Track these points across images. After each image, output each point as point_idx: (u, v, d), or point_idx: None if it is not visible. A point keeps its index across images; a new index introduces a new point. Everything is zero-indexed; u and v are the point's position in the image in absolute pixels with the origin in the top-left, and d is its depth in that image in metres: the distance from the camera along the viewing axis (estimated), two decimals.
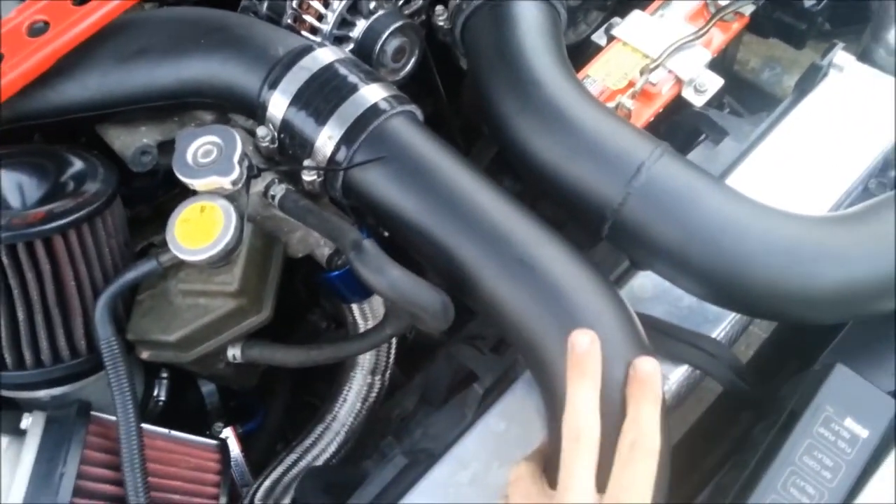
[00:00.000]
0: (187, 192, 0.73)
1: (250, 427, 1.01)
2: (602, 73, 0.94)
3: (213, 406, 0.95)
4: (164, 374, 0.88)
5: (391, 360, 0.98)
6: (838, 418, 0.70)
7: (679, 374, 0.78)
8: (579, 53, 1.03)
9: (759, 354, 0.93)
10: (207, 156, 0.71)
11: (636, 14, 0.99)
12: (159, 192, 0.94)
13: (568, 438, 0.59)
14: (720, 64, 1.04)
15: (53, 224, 0.68)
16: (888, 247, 0.66)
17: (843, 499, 0.67)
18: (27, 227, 0.67)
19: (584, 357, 0.61)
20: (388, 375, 0.99)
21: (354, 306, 0.93)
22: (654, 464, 0.59)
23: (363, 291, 0.92)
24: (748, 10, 0.99)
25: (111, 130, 0.85)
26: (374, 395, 0.97)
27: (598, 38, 1.02)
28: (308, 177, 0.74)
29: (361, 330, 0.94)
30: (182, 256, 0.69)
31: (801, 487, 0.68)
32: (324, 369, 0.97)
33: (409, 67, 0.92)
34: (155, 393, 0.88)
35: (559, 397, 0.62)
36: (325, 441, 0.94)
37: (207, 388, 0.95)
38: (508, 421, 0.75)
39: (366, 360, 0.96)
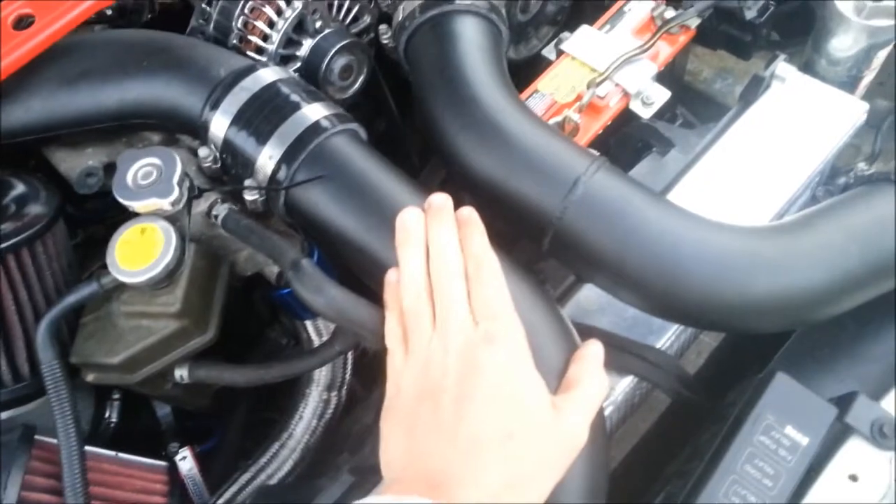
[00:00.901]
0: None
1: (208, 446, 1.00)
2: (551, 88, 0.95)
3: (167, 426, 0.95)
4: (116, 396, 0.88)
5: (347, 376, 0.98)
6: (779, 426, 0.71)
7: (625, 384, 0.78)
8: (530, 68, 1.04)
9: (709, 364, 0.94)
10: (147, 177, 0.71)
11: (584, 29, 1.00)
12: (112, 213, 0.94)
13: (408, 297, 0.62)
14: (670, 76, 1.05)
15: None
16: (822, 257, 0.67)
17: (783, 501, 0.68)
18: None
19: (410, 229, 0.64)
20: (344, 391, 0.99)
21: (308, 323, 0.93)
22: (500, 276, 0.63)
23: None
24: (694, 23, 1.00)
25: (57, 153, 0.85)
26: (330, 411, 0.97)
27: (549, 52, 1.03)
28: (250, 196, 0.74)
29: (315, 345, 0.94)
30: (122, 279, 0.69)
31: (742, 496, 0.69)
32: (285, 385, 0.98)
33: (357, 85, 0.93)
34: (106, 414, 0.88)
35: None
36: (281, 459, 0.93)
37: (162, 409, 0.95)
38: None
39: (322, 376, 0.96)
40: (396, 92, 1.04)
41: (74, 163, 0.84)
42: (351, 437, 0.99)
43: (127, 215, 0.87)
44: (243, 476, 0.91)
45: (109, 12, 0.94)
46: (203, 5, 0.89)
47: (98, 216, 0.94)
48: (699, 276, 0.67)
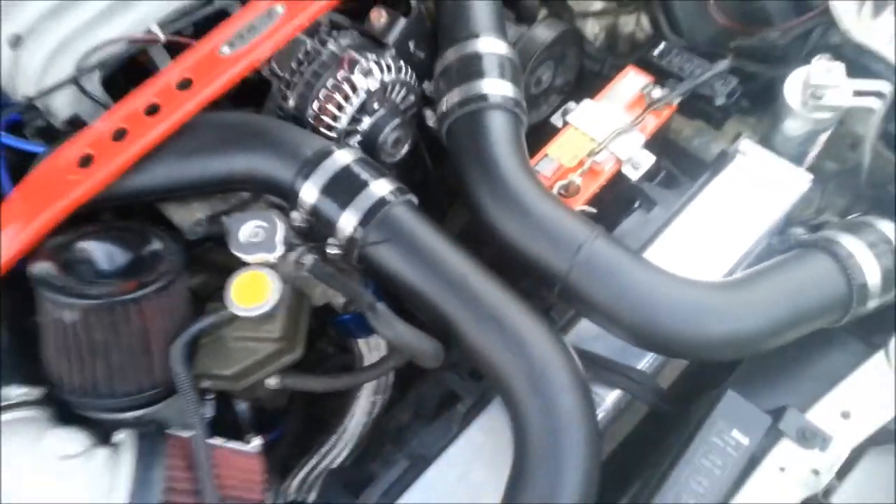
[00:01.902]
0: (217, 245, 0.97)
1: (273, 437, 1.23)
2: (558, 154, 1.18)
3: (244, 420, 1.18)
4: (211, 396, 1.11)
5: (390, 383, 1.22)
6: (727, 430, 0.95)
7: (613, 397, 1.02)
8: (539, 132, 1.27)
9: (680, 379, 1.17)
10: (256, 237, 0.95)
11: (586, 102, 1.22)
12: (195, 247, 1.16)
13: None
14: (660, 137, 1.28)
15: (144, 291, 0.91)
16: (759, 308, 0.92)
17: (729, 489, 0.92)
18: (124, 294, 0.90)
19: None
20: (387, 395, 1.22)
21: (361, 341, 1.17)
22: None
23: (369, 330, 1.15)
24: (676, 100, 1.23)
25: (170, 207, 1.08)
26: (376, 410, 1.21)
27: (556, 119, 1.25)
28: (332, 250, 0.97)
29: (366, 359, 1.18)
30: (240, 314, 0.92)
31: (698, 481, 0.93)
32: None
33: (404, 151, 1.16)
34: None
35: (521, 417, 0.87)
36: (339, 448, 1.18)
37: (240, 406, 1.18)
38: (486, 433, 0.99)
39: (370, 383, 1.20)
40: (430, 150, 1.27)
41: (184, 215, 1.07)
42: (390, 432, 1.23)
43: (205, 248, 1.09)
44: (311, 461, 1.15)
45: None
46: (282, 87, 1.11)
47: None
48: (671, 322, 0.91)
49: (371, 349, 1.17)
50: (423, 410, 1.15)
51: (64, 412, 0.98)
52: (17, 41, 1.11)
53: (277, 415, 1.26)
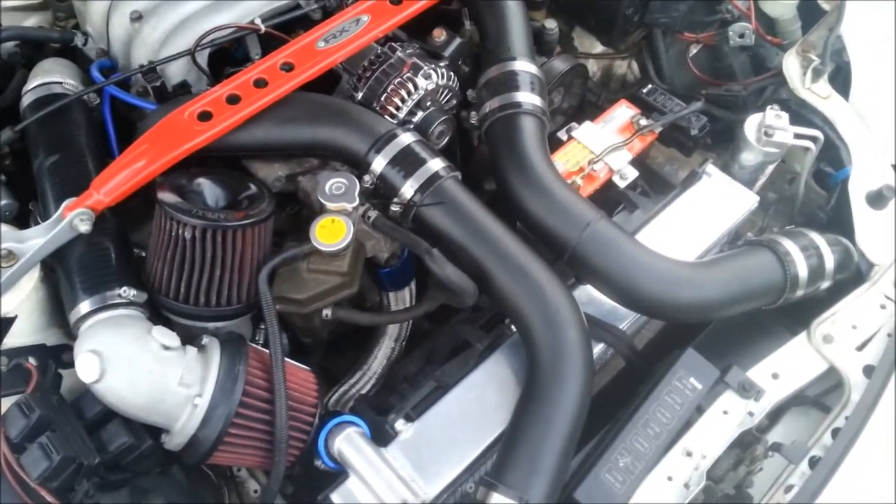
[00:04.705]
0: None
1: None
2: (563, 160, 1.46)
3: (285, 349, 1.40)
4: (262, 326, 1.33)
5: (407, 334, 1.47)
6: (686, 378, 1.23)
7: (598, 349, 1.29)
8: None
9: (653, 341, 1.45)
10: (339, 190, 1.20)
11: (587, 124, 1.52)
12: None
13: None
14: (639, 160, 1.58)
15: (248, 221, 1.15)
16: (717, 283, 1.21)
17: (684, 420, 1.19)
18: (234, 221, 1.14)
19: None
20: (403, 344, 1.47)
21: (391, 294, 1.41)
22: None
23: (399, 285, 1.41)
24: (658, 129, 1.53)
25: (255, 164, 1.32)
26: (394, 355, 1.46)
27: (561, 134, 1.54)
28: (394, 208, 1.23)
29: (393, 308, 1.42)
30: (321, 248, 1.17)
31: (662, 412, 1.20)
32: (348, 341, 1.46)
33: (445, 140, 1.42)
34: (257, 337, 1.33)
35: (535, 345, 1.13)
36: (363, 381, 1.42)
37: (284, 339, 1.40)
38: (498, 367, 1.24)
39: (393, 330, 1.44)
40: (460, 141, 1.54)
41: (268, 172, 1.31)
42: (399, 380, 1.46)
43: None
44: (341, 388, 1.39)
45: None
46: (353, 80, 1.37)
47: None
48: (653, 287, 1.19)
49: (398, 301, 1.42)
50: (437, 357, 1.40)
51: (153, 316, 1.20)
52: (137, 17, 1.35)
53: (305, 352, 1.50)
